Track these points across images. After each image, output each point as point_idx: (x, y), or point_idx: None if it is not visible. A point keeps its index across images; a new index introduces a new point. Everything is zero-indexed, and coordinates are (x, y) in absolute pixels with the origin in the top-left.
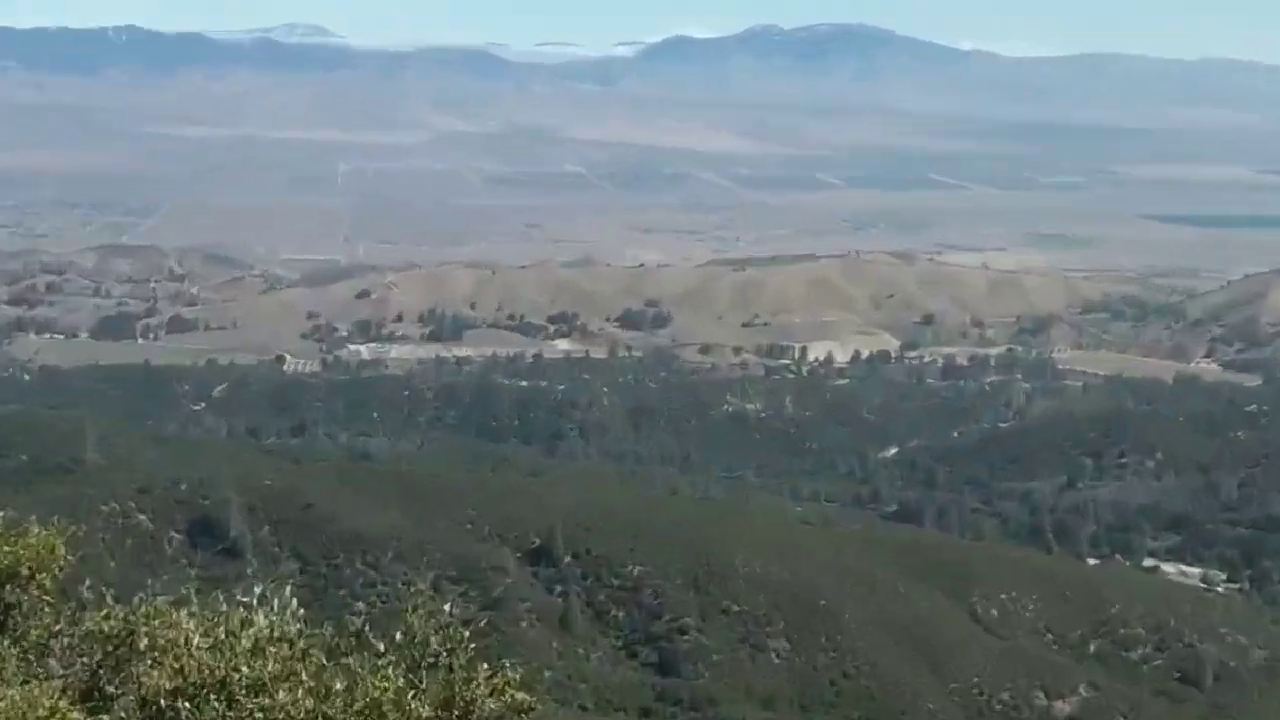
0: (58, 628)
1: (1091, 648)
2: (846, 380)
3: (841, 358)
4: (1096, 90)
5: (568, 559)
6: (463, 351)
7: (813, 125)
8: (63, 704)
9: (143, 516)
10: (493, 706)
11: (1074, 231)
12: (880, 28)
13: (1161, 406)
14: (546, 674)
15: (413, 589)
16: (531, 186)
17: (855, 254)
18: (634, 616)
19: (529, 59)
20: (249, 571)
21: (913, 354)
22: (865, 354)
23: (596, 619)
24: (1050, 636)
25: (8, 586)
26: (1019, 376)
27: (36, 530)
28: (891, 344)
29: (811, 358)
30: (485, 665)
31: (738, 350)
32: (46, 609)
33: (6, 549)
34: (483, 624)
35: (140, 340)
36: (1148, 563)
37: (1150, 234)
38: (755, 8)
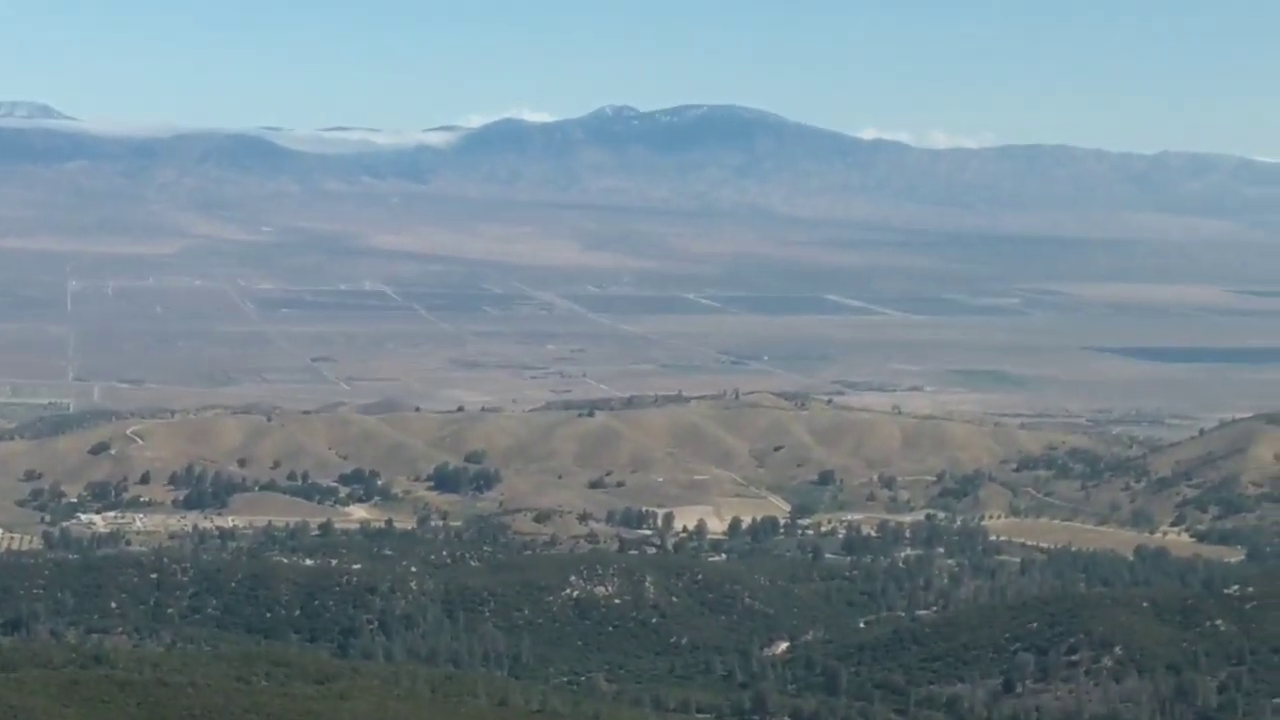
0: None
1: None
2: (724, 556)
3: (717, 527)
4: (1036, 190)
5: None
6: (229, 522)
7: (680, 232)
8: None
9: None
10: None
11: (1008, 368)
12: (762, 111)
13: (1121, 589)
14: None
15: None
16: (320, 310)
17: (734, 395)
18: None
19: (315, 148)
20: None
21: (807, 522)
22: (747, 522)
23: None
24: None
25: None
26: (941, 551)
27: None
28: (780, 509)
29: (679, 527)
30: None
31: (584, 518)
32: None
33: None
34: None
35: None
36: None
37: (1104, 371)
38: (604, 87)
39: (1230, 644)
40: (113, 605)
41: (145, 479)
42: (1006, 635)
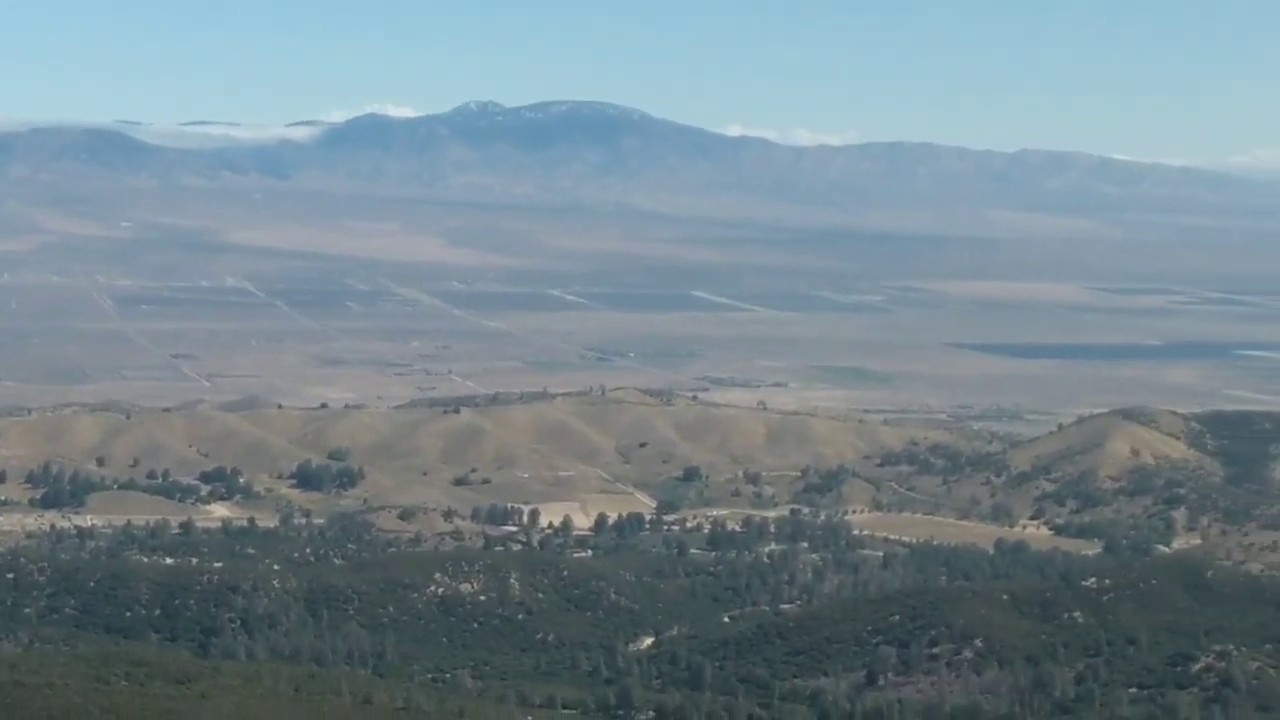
0: None
1: None
2: (589, 552)
3: (583, 523)
4: (899, 188)
5: None
6: (87, 521)
7: (545, 229)
8: None
9: None
10: None
11: (872, 365)
12: (627, 107)
13: (981, 582)
14: None
15: None
16: (180, 307)
17: (600, 391)
18: None
19: (172, 142)
20: None
21: (672, 518)
22: (613, 518)
23: None
24: None
25: None
26: (805, 546)
27: None
28: (646, 505)
29: (545, 523)
30: None
31: (449, 515)
32: None
33: None
34: None
35: None
36: None
37: (965, 367)
38: (468, 82)
39: (1087, 635)
40: None
41: (1, 478)
42: (869, 628)
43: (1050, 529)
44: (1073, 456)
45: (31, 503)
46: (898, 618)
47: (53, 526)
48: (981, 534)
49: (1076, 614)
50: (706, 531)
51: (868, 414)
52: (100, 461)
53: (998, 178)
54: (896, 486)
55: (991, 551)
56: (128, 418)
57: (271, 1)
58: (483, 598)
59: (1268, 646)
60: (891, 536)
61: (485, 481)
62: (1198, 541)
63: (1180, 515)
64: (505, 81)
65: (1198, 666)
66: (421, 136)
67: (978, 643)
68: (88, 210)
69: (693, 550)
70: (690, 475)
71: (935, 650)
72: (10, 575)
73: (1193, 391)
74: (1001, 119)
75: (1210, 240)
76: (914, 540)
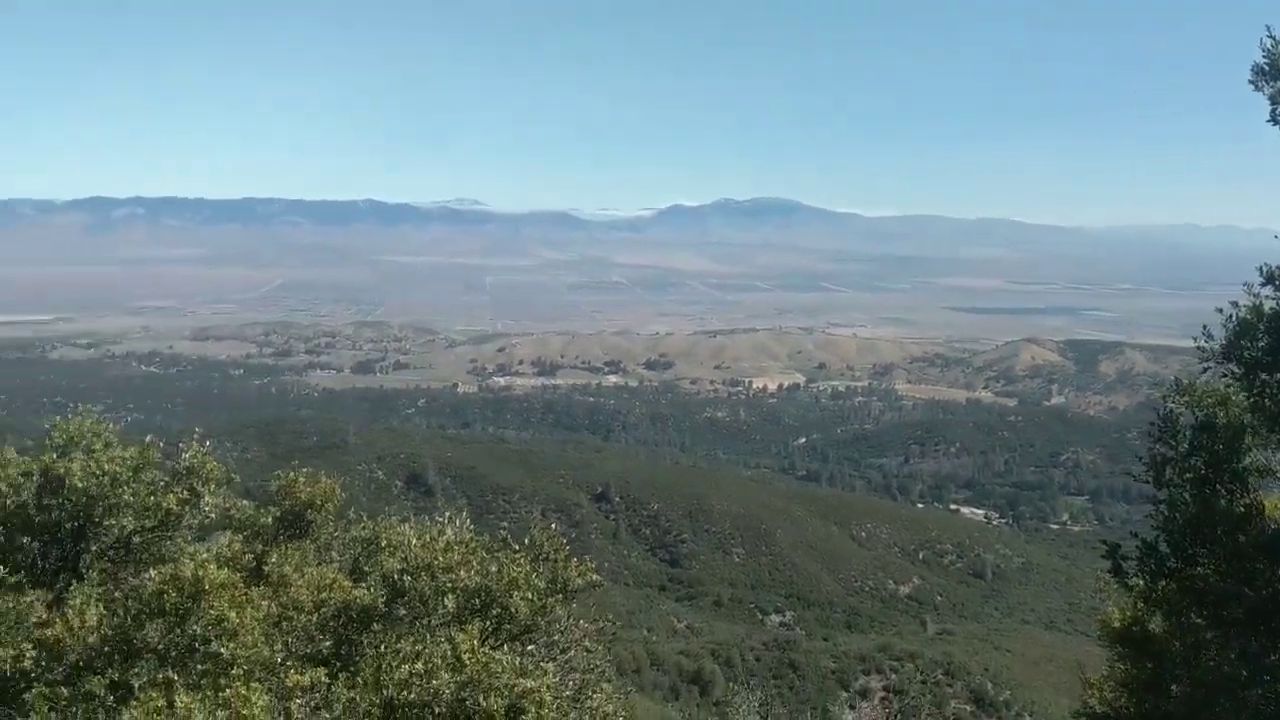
0: (335, 534)
1: (920, 556)
2: (774, 400)
3: (772, 387)
4: (920, 236)
5: (617, 499)
6: (555, 382)
7: (755, 255)
8: (339, 577)
9: (380, 473)
10: (579, 582)
11: (907, 316)
12: (792, 200)
13: (957, 416)
14: (605, 565)
15: (533, 516)
16: (595, 290)
17: (779, 329)
18: (654, 533)
19: (595, 217)
20: (439, 505)
21: (813, 385)
22: (785, 385)
23: (633, 534)
24: (896, 549)
25: (309, 511)
26: (875, 399)
27: (323, 479)
28: (800, 380)
29: (756, 387)
30: (574, 559)
31: (712, 383)
32: (329, 524)
33: (308, 488)
34: (571, 537)
35: (378, 375)
36: (952, 507)
37: (951, 318)
38: (721, 185)
39: (1009, 442)
40: (508, 416)
41: (520, 363)
42: (905, 437)
43: (992, 394)
44: (1003, 360)
45: (533, 374)
46: (919, 432)
47: (543, 384)
48: (958, 396)
49: (1004, 433)
50: (829, 392)
51: (906, 340)
52: (562, 356)
53: (968, 231)
54: (919, 372)
55: (963, 404)
56: (573, 338)
57: None
58: (727, 419)
59: (1099, 448)
60: (917, 396)
61: (728, 368)
62: (1062, 400)
63: (1054, 388)
64: (738, 185)
65: (1063, 456)
66: (700, 214)
67: (956, 444)
68: (557, 248)
69: (823, 400)
70: (821, 366)
71: (937, 447)
72: (526, 404)
73: (1063, 330)
74: (974, 194)
75: None
76: (926, 399)
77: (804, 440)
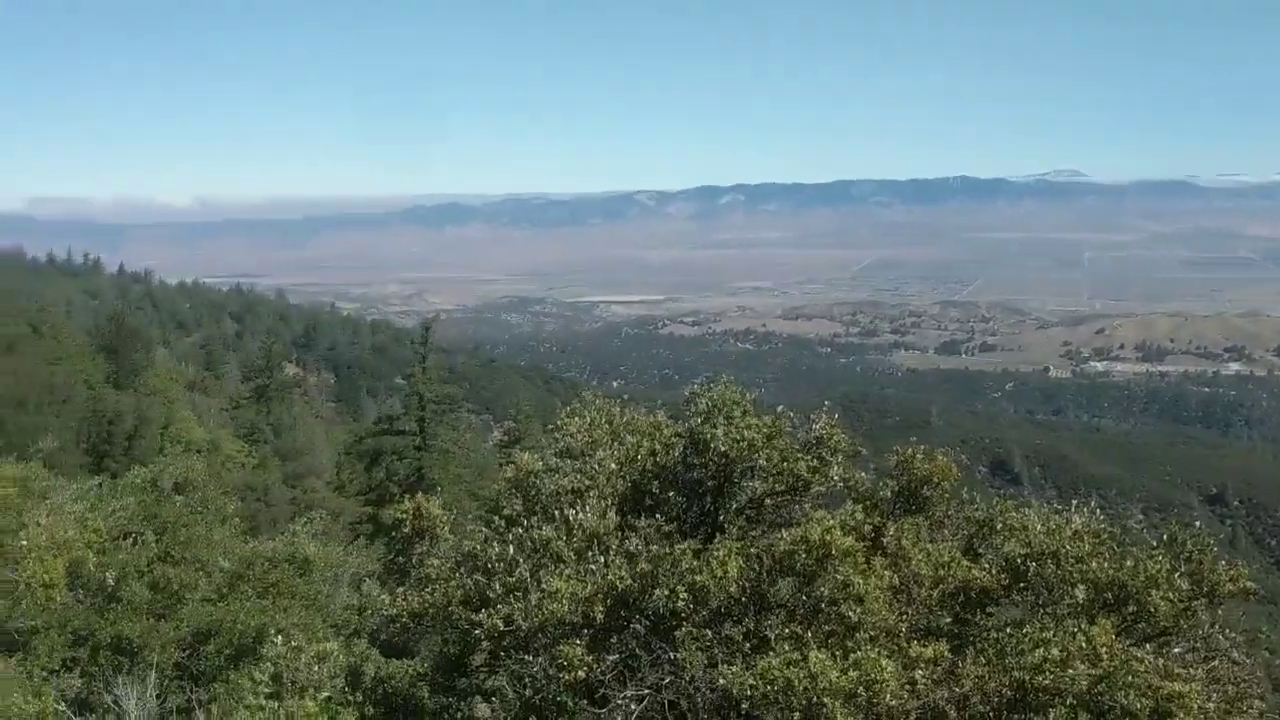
0: (949, 512)
1: None
2: None
3: None
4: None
5: (1235, 502)
6: (1162, 368)
7: None
8: (958, 555)
9: (963, 456)
10: (1230, 587)
11: None
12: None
13: None
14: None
15: (1130, 514)
16: (1215, 267)
17: None
18: None
19: (1215, 184)
20: (1026, 493)
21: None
22: None
23: (1255, 543)
24: None
25: (924, 487)
26: None
27: (939, 456)
28: None
29: None
30: (1224, 561)
31: None
32: (944, 501)
33: (925, 464)
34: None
35: (963, 356)
36: None
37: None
38: None
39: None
40: (1104, 404)
41: (1120, 347)
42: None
43: None
44: None
45: (1135, 359)
46: None
47: (1146, 371)
48: None
49: None
50: None
51: None
52: (1171, 341)
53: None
54: None
55: None
56: (1186, 320)
57: None
58: None
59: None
60: None
61: None
62: None
63: None
64: None
65: None
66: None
67: None
68: (1165, 220)
69: None
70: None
71: None
72: (1125, 392)
73: None
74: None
75: None
76: None
77: None
